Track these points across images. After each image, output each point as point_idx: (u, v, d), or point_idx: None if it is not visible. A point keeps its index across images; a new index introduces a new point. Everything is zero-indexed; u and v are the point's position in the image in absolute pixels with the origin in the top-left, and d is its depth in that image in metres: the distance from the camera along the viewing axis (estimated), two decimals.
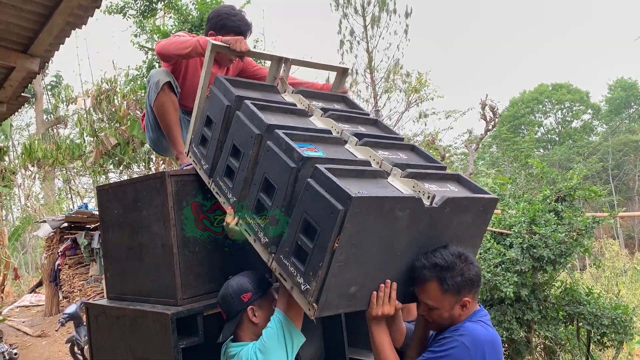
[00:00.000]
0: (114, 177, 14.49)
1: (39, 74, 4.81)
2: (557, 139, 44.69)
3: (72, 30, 4.23)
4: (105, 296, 2.97)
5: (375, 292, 1.93)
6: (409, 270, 2.00)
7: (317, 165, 1.85)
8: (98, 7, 4.02)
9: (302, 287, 1.81)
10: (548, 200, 4.78)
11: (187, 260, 2.47)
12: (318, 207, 1.78)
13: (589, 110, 45.54)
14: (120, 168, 13.31)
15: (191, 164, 2.68)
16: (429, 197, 1.93)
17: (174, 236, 2.43)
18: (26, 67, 4.43)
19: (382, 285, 1.93)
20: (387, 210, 1.79)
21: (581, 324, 4.80)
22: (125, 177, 13.56)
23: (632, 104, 43.61)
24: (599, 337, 4.76)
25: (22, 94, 5.22)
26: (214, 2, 12.02)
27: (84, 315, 10.54)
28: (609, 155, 36.79)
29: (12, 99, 5.42)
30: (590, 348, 4.99)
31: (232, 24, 3.08)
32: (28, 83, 4.84)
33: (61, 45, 4.49)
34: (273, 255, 2.00)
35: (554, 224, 4.47)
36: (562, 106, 45.29)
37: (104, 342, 2.77)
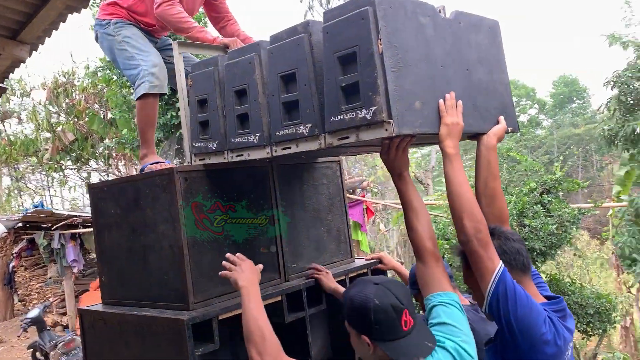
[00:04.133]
0: (71, 173, 13.85)
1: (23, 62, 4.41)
2: None
3: (70, 15, 3.89)
4: (100, 301, 2.78)
5: (442, 101, 1.86)
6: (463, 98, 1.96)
7: (324, 12, 1.85)
8: None
9: (368, 115, 1.69)
10: (535, 192, 4.84)
11: (198, 261, 2.32)
12: (345, 32, 1.74)
13: (536, 105, 47.22)
14: (78, 164, 12.72)
15: (158, 163, 2.88)
16: (440, 11, 1.97)
17: (184, 236, 2.28)
18: (13, 54, 4.04)
19: (447, 95, 1.88)
20: (411, 12, 1.80)
21: None
22: (84, 174, 13.00)
23: (575, 98, 45.39)
24: (584, 327, 4.86)
25: (1, 84, 4.77)
26: None
27: (48, 319, 10.11)
28: (554, 148, 38.16)
29: None
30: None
31: None
32: (11, 72, 4.44)
33: (54, 31, 4.11)
34: (323, 133, 1.87)
35: (542, 216, 4.53)
36: None
37: (103, 352, 2.57)
